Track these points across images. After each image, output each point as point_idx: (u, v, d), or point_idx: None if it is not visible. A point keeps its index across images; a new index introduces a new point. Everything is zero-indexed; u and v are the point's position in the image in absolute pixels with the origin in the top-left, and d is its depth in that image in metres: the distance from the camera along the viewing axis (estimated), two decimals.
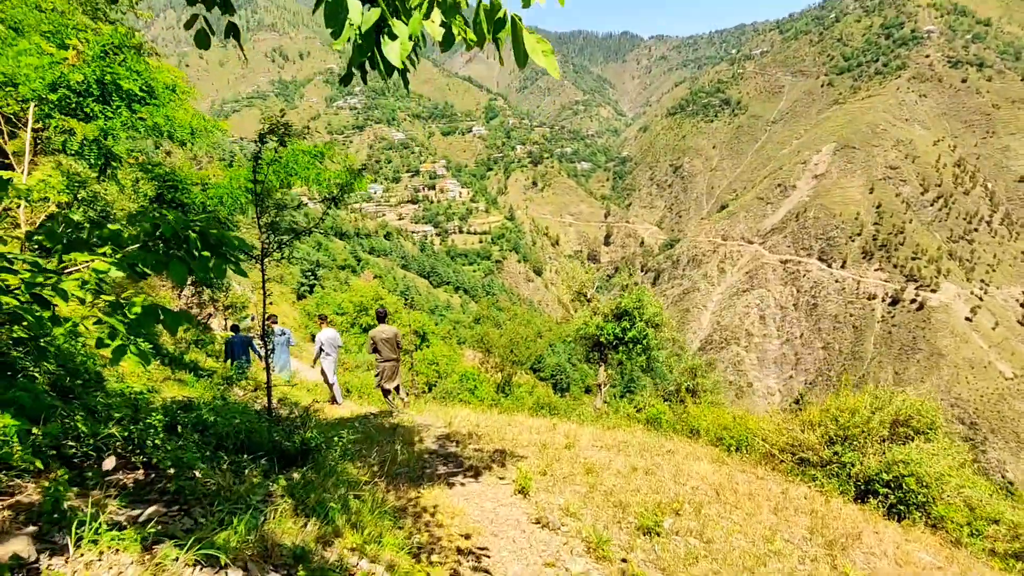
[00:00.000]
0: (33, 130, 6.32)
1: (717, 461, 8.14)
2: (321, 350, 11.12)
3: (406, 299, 77.87)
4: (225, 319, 17.51)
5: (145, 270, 3.10)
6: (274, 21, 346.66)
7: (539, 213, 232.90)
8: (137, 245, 3.19)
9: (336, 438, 5.17)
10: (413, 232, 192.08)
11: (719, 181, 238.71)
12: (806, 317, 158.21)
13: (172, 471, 3.17)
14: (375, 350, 10.05)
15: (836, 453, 7.23)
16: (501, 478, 6.07)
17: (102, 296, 3.34)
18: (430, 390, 39.53)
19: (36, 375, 4.63)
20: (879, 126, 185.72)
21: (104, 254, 3.10)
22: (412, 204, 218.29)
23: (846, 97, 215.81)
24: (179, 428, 4.35)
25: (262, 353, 11.53)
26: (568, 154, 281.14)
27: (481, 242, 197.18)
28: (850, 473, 7.08)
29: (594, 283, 19.77)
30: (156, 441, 3.47)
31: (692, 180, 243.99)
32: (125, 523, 2.67)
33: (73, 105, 5.96)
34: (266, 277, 6.59)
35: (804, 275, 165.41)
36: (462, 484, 5.84)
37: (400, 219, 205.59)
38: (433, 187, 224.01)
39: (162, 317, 2.89)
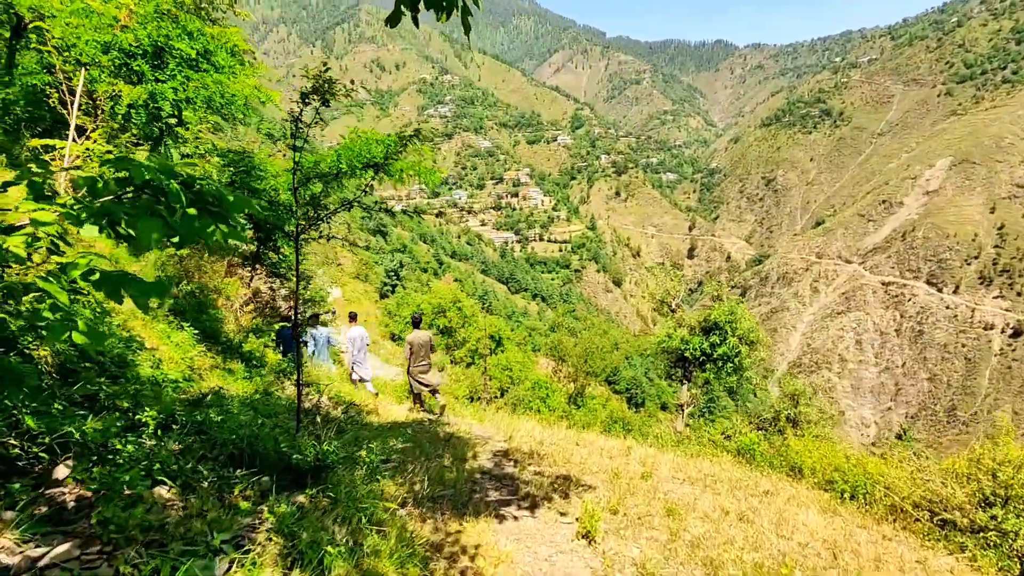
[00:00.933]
0: (89, 97, 5.94)
1: (828, 510, 6.69)
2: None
3: (484, 303, 78.06)
4: (303, 311, 17.41)
5: (130, 231, 2.41)
6: (374, 34, 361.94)
7: (621, 223, 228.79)
8: (110, 197, 2.51)
9: (366, 451, 4.32)
10: (494, 238, 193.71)
11: (816, 195, 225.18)
12: (910, 344, 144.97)
13: (101, 493, 2.39)
14: (411, 354, 10.31)
15: (994, 518, 5.65)
16: (562, 514, 5.03)
17: (53, 257, 2.68)
18: (502, 395, 38.91)
19: (34, 354, 4.11)
20: (1005, 140, 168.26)
21: (65, 205, 2.44)
22: (495, 211, 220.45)
23: (966, 108, 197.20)
24: (175, 428, 3.62)
25: (312, 349, 11.12)
26: (653, 164, 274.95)
27: (561, 250, 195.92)
28: (1013, 546, 5.49)
29: (680, 292, 18.04)
30: (118, 445, 2.73)
31: (786, 194, 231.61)
32: (16, 568, 1.89)
33: (123, 68, 5.59)
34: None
35: (909, 299, 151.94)
36: (515, 517, 4.86)
37: (482, 225, 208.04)
38: (516, 194, 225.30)
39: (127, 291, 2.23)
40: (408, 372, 10.35)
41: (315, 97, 4.48)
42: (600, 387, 42.47)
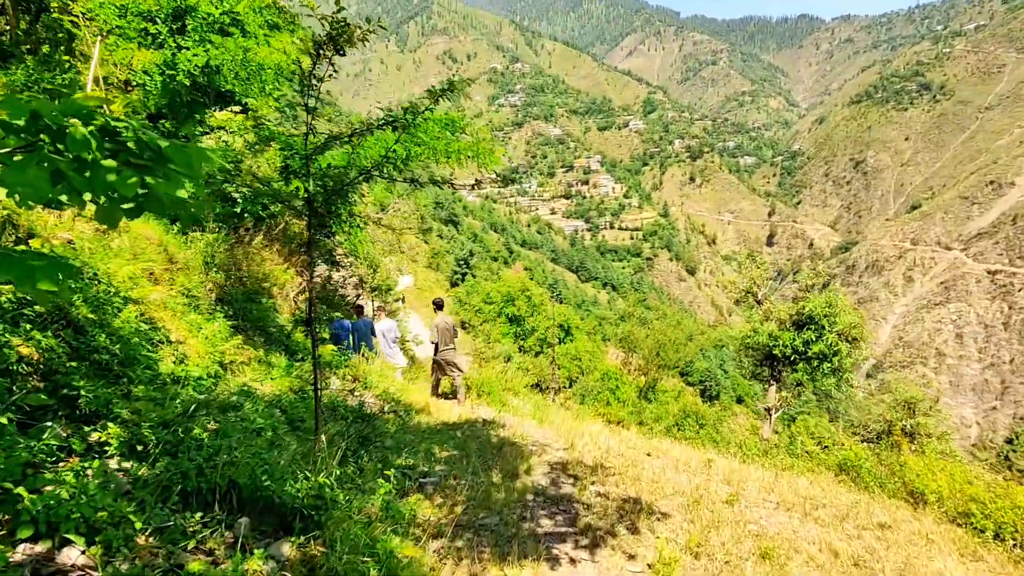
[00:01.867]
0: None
1: (970, 554, 5.37)
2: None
3: (553, 292, 77.12)
4: (371, 301, 16.97)
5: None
6: (446, 26, 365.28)
7: (695, 210, 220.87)
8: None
9: (382, 479, 3.53)
10: (564, 227, 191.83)
11: (911, 177, 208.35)
12: (1019, 339, 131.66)
13: None
14: (438, 337, 9.90)
15: None
16: (630, 557, 4.07)
17: None
18: (570, 385, 37.96)
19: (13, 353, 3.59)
20: None
21: None
22: (565, 199, 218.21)
23: None
24: (146, 448, 2.95)
25: (374, 343, 10.57)
26: (730, 148, 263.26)
27: (632, 238, 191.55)
28: None
29: (767, 281, 16.26)
30: (22, 492, 2.04)
31: (877, 176, 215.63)
32: None
33: (142, 32, 5.08)
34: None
35: (1020, 289, 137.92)
36: (571, 560, 3.96)
37: (552, 213, 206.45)
38: (586, 182, 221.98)
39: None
40: (435, 355, 9.94)
41: (329, 47, 3.70)
42: (672, 379, 40.72)
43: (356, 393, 7.60)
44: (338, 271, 12.59)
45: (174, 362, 5.34)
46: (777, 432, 14.73)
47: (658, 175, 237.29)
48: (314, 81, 3.73)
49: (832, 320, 13.24)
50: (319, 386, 4.02)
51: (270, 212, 8.45)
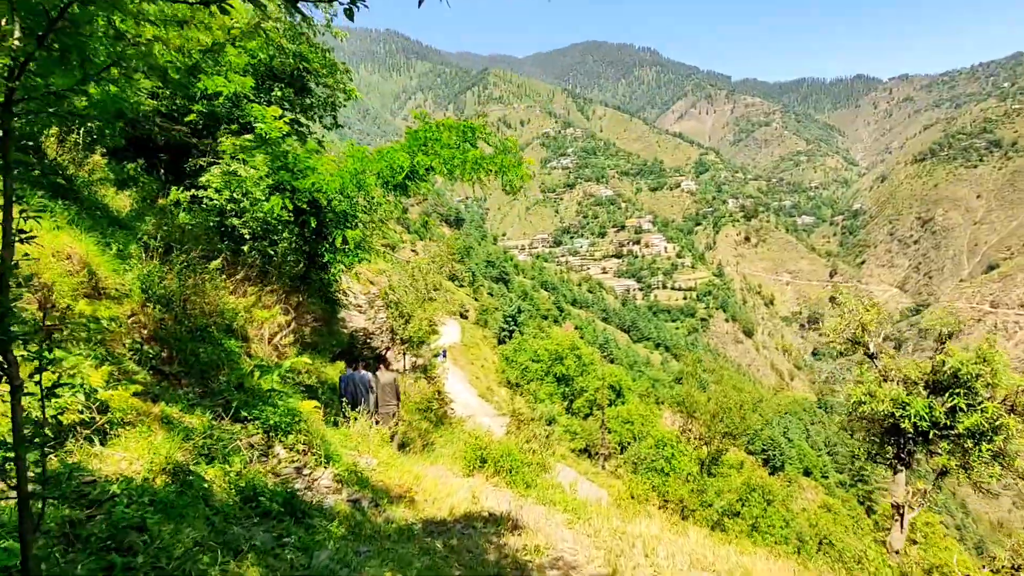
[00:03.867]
0: None
1: None
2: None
3: (604, 351, 76.04)
4: (403, 353, 16.82)
5: None
6: (501, 94, 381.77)
7: (751, 270, 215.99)
8: None
9: None
10: (615, 286, 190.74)
11: (985, 236, 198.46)
12: None
13: None
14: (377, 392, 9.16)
15: None
16: None
17: None
18: (621, 451, 36.65)
19: None
20: None
21: None
22: (616, 258, 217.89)
23: None
24: None
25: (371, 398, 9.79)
26: (787, 208, 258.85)
27: (686, 298, 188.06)
28: None
29: (883, 327, 12.53)
30: None
31: (948, 235, 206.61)
32: None
33: None
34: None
35: None
36: None
37: (603, 273, 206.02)
38: (638, 241, 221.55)
39: None
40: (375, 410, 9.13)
41: None
42: (734, 447, 37.63)
43: (307, 471, 5.49)
44: (344, 311, 12.12)
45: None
46: (915, 542, 11.99)
47: (712, 235, 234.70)
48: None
49: (990, 382, 9.83)
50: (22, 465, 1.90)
51: (275, 249, 8.17)
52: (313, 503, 4.79)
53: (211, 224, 7.85)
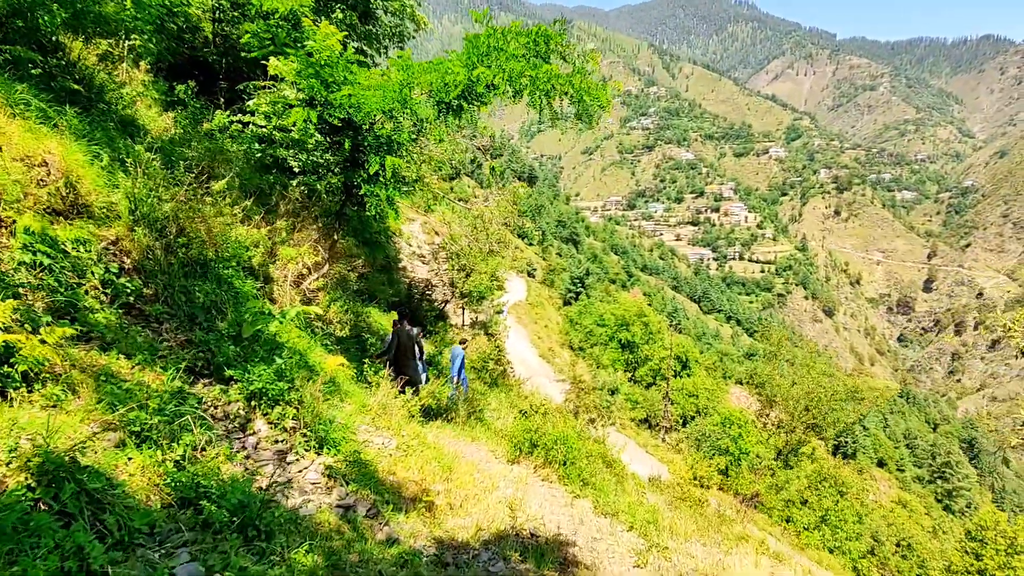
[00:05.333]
0: None
1: None
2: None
3: (672, 320, 73.74)
4: (462, 308, 16.23)
5: None
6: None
7: (839, 246, 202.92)
8: None
9: None
10: (689, 254, 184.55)
11: None
12: None
13: None
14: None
15: None
16: None
17: None
18: (684, 424, 35.43)
19: None
20: None
21: None
22: (692, 226, 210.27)
23: None
24: None
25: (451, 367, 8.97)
26: (886, 181, 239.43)
27: (763, 271, 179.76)
28: None
29: None
30: None
31: None
32: None
33: None
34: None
35: None
36: None
37: (677, 240, 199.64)
38: (717, 209, 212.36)
39: None
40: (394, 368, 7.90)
41: None
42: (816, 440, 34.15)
43: (292, 458, 4.14)
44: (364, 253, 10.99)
45: None
46: None
47: (798, 206, 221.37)
48: None
49: None
50: None
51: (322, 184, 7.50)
52: (284, 511, 3.39)
53: (256, 153, 7.36)
